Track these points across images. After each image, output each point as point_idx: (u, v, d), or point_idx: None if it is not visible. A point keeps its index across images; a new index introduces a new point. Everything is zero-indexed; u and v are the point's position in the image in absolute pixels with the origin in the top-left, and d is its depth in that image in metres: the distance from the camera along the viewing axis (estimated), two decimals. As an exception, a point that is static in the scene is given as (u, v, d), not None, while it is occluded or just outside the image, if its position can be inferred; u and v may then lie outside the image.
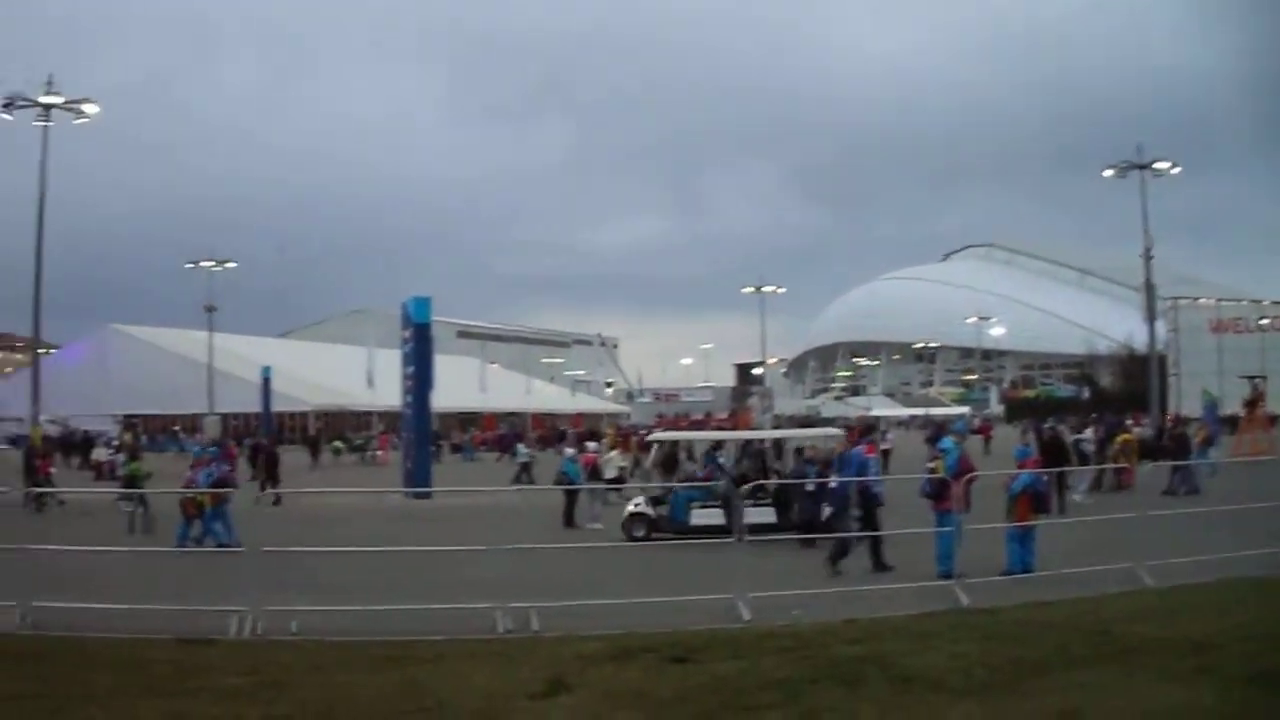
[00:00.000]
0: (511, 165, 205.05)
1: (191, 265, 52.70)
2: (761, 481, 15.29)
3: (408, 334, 26.58)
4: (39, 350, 33.61)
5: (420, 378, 26.23)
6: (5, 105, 28.68)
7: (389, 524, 16.95)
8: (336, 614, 9.33)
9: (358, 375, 50.60)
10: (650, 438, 23.30)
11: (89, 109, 29.47)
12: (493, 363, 71.79)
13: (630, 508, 16.13)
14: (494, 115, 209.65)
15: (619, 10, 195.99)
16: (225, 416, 52.77)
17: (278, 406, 53.19)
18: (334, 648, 8.35)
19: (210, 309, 52.82)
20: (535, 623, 9.04)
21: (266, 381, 52.40)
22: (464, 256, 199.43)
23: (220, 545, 14.47)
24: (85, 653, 8.12)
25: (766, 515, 14.99)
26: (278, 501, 21.16)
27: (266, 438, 32.51)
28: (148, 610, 9.25)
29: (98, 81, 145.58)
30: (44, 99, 28.71)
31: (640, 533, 15.52)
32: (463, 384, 57.86)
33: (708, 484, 16.46)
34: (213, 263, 52.16)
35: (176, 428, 55.81)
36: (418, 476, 24.65)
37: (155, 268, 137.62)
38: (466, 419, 56.90)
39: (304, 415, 55.84)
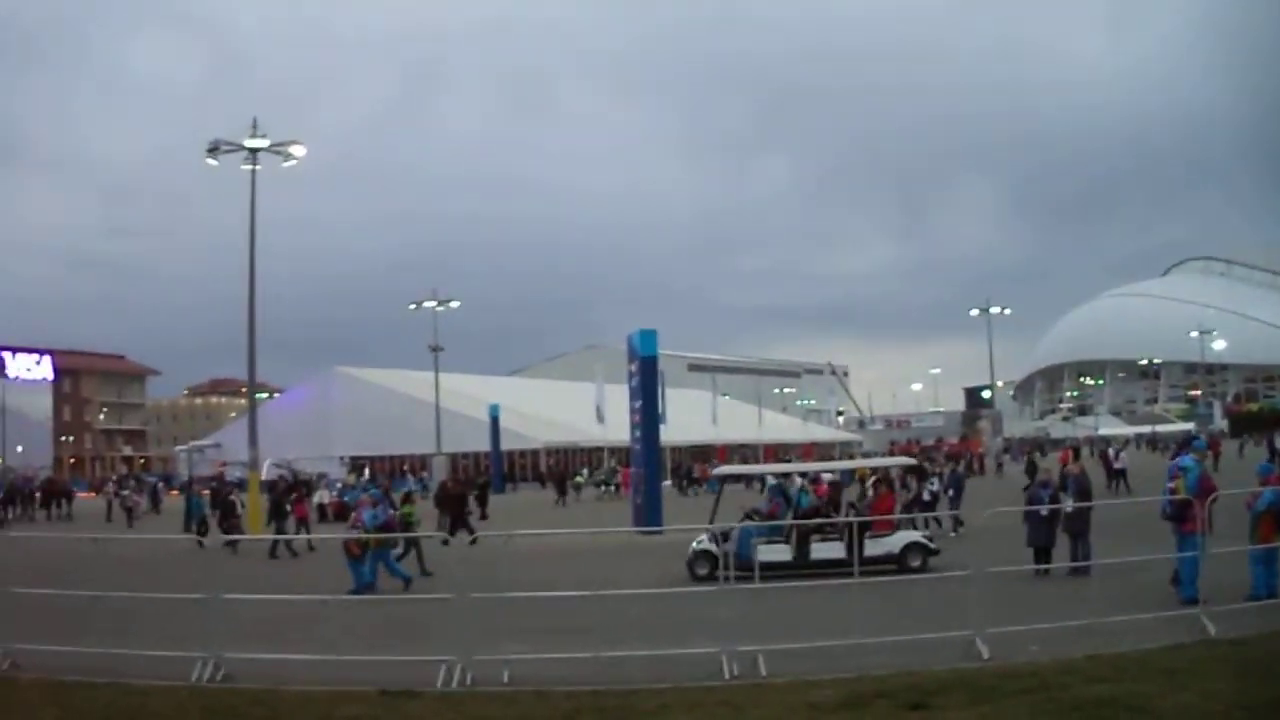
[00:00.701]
0: (738, 195, 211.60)
1: (414, 306, 53.27)
2: (823, 520, 15.76)
3: (634, 367, 27.03)
4: (255, 395, 34.71)
5: (648, 411, 26.66)
6: (211, 151, 29.75)
7: (615, 560, 17.02)
8: (551, 661, 9.23)
9: (588, 411, 49.99)
10: (716, 472, 24.48)
11: (296, 151, 30.19)
12: (724, 394, 71.14)
13: (694, 545, 16.06)
14: (719, 146, 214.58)
15: (838, 35, 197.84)
16: (454, 456, 53.16)
17: (507, 445, 54.57)
18: (548, 698, 8.18)
19: (436, 349, 53.67)
20: (763, 667, 8.81)
21: (495, 420, 52.94)
22: (695, 289, 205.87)
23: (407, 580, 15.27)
24: (279, 706, 8.08)
25: (834, 550, 15.16)
26: (474, 542, 20.49)
27: (450, 478, 32.76)
28: (348, 661, 9.20)
29: (329, 124, 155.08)
30: (249, 143, 29.63)
31: (704, 571, 15.30)
32: (695, 417, 58.17)
33: (772, 519, 16.53)
34: (435, 303, 52.61)
35: (406, 468, 56.82)
36: (648, 512, 25.04)
37: (387, 309, 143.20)
38: (699, 452, 55.47)
39: (534, 453, 55.77)
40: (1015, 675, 7.93)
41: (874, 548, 15.24)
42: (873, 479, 19.37)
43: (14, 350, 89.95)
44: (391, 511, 18.33)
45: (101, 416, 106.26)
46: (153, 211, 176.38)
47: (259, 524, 26.87)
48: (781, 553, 15.05)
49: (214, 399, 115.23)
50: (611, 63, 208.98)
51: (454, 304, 54.36)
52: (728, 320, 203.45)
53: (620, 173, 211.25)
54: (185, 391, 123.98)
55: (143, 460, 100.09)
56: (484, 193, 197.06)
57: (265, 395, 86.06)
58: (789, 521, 16.20)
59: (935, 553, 15.60)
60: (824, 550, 15.37)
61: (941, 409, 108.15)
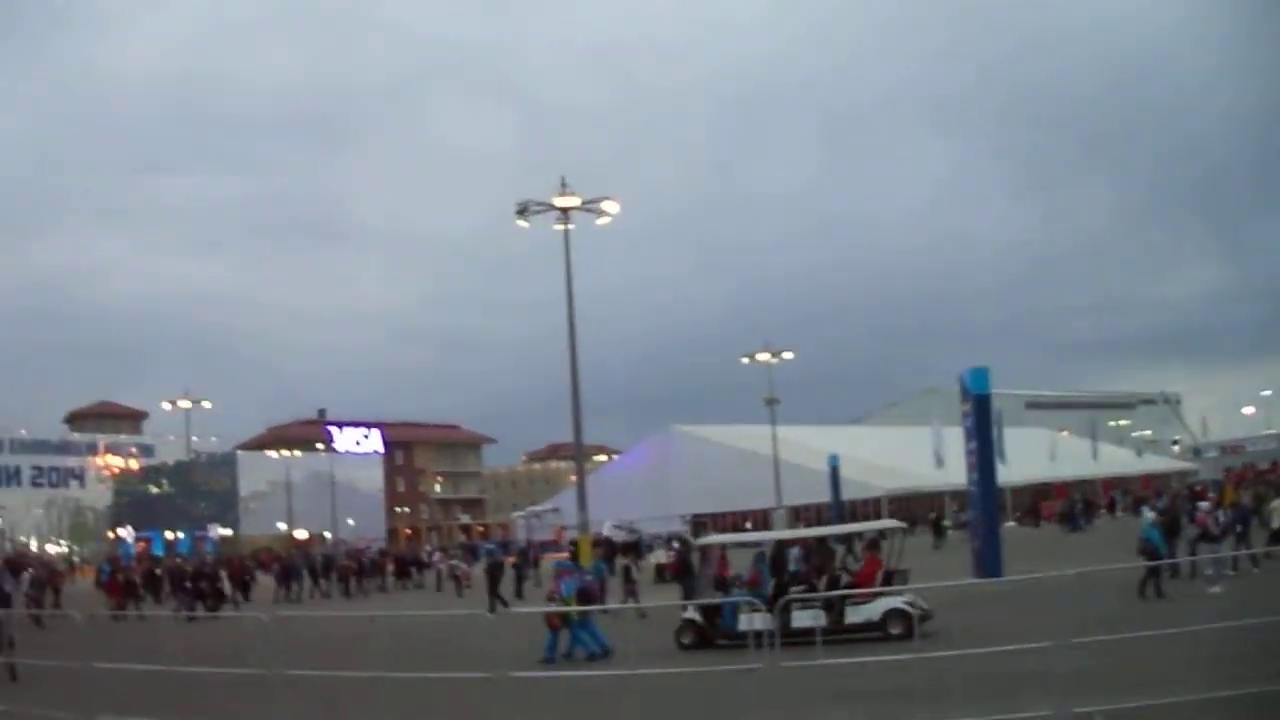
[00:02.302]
0: (1060, 229, 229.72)
1: (747, 360, 67.69)
2: (793, 592, 20.62)
3: (968, 407, 32.49)
4: (581, 458, 41.21)
5: (984, 451, 32.01)
6: (520, 213, 36.05)
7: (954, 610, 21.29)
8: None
9: (926, 456, 62.30)
10: (699, 542, 30.26)
11: (609, 207, 36.54)
12: (1061, 430, 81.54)
13: (683, 615, 21.62)
14: (1037, 181, 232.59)
15: (1159, 60, 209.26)
16: (795, 509, 66.83)
17: (847, 494, 68.51)
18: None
19: (771, 401, 67.61)
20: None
21: (834, 470, 66.77)
22: (1026, 325, 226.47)
23: (590, 655, 19.83)
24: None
25: (814, 619, 19.24)
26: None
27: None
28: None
29: (650, 180, 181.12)
30: (559, 201, 35.78)
31: (688, 641, 20.88)
32: (1034, 455, 71.39)
33: (753, 587, 21.83)
34: (769, 354, 66.79)
35: (748, 525, 71.36)
36: (986, 557, 30.13)
37: (721, 363, 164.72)
38: (1039, 491, 66.63)
39: (875, 501, 68.70)
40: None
41: (854, 615, 19.79)
42: (864, 543, 24.55)
43: (342, 424, 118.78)
44: (588, 578, 24.03)
45: (438, 487, 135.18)
46: (479, 280, 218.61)
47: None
48: (764, 622, 17.85)
49: (552, 464, 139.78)
50: (927, 100, 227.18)
51: (787, 355, 68.96)
52: (1061, 354, 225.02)
53: (942, 210, 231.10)
54: (523, 457, 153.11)
55: (481, 528, 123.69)
56: (808, 238, 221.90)
57: (604, 457, 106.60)
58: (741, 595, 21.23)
59: (921, 619, 19.46)
60: (804, 619, 19.30)
61: (1275, 431, 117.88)
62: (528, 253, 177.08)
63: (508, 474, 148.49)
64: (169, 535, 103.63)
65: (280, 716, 13.72)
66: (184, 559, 64.62)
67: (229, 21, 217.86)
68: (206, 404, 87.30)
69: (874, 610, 19.70)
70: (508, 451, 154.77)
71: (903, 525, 24.84)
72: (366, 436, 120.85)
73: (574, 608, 20.39)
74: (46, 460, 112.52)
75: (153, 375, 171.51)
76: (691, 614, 21.17)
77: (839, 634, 18.95)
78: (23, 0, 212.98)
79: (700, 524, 73.90)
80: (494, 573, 35.28)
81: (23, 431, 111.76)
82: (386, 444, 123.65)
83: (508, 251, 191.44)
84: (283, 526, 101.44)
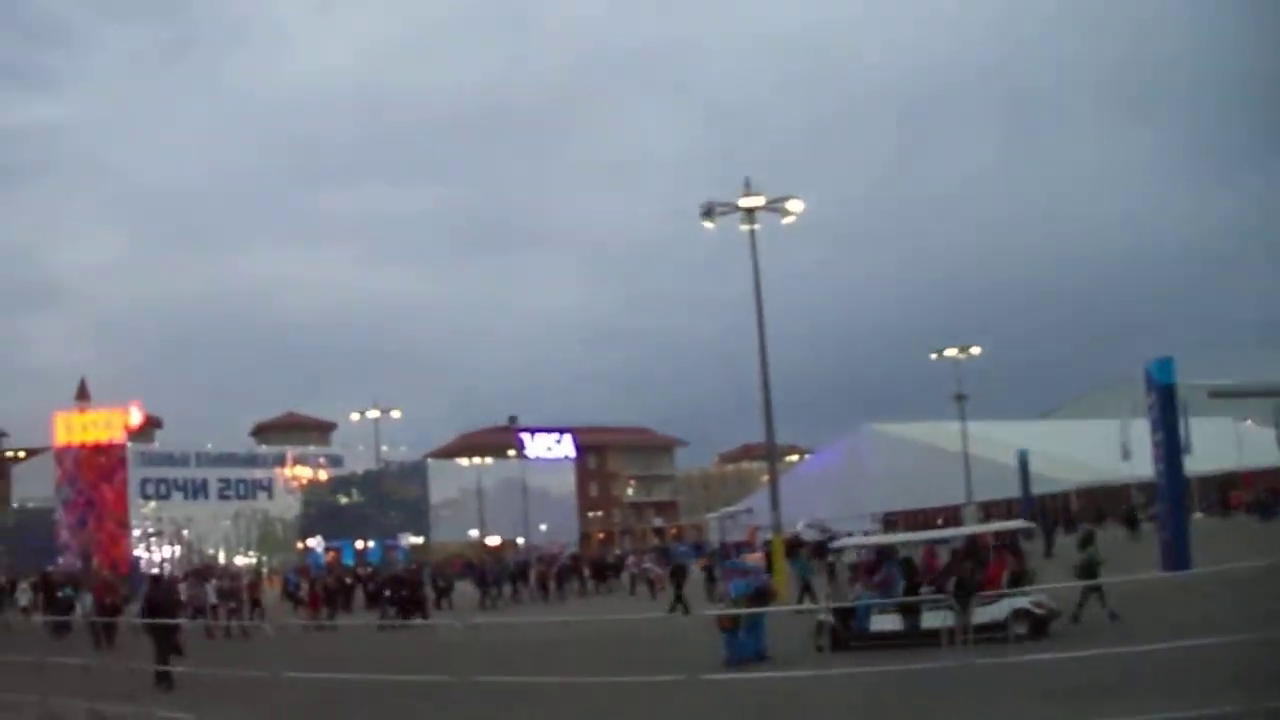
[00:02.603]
0: (1248, 217, 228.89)
1: (935, 356, 75.59)
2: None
3: (1152, 398, 35.09)
4: (774, 458, 45.95)
5: (1169, 442, 34.60)
6: (705, 214, 39.76)
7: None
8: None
9: (1113, 448, 69.59)
10: (834, 545, 33.76)
11: (793, 206, 40.00)
12: (1245, 420, 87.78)
13: (818, 617, 23.81)
14: (1218, 161, 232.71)
15: None
16: (985, 504, 74.62)
17: (1037, 489, 75.16)
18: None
19: (960, 398, 75.48)
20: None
21: (1024, 464, 73.84)
22: (1212, 315, 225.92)
23: (741, 660, 21.80)
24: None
25: (943, 620, 20.43)
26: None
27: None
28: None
29: (836, 178, 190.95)
30: (744, 202, 39.56)
31: (823, 643, 21.52)
32: (1219, 445, 76.86)
33: (884, 589, 24.46)
34: (957, 350, 74.59)
35: (940, 521, 79.30)
36: (1175, 548, 32.35)
37: (907, 359, 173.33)
38: (1225, 481, 73.30)
39: (1064, 495, 76.01)
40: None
41: (980, 615, 20.93)
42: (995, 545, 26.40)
43: (534, 430, 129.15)
44: (764, 577, 26.79)
45: (630, 490, 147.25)
46: (668, 282, 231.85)
47: (786, 590, 36.16)
48: (893, 622, 21.26)
49: (745, 465, 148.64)
50: (1108, 85, 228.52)
51: (974, 350, 76.30)
52: (1244, 344, 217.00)
53: (1130, 198, 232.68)
54: (716, 459, 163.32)
55: (674, 531, 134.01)
56: (992, 230, 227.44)
57: (795, 457, 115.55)
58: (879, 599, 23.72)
59: (1048, 619, 22.12)
60: (933, 619, 21.23)
61: None
62: (717, 253, 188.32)
63: (700, 476, 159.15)
64: (359, 545, 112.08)
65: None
66: (374, 568, 72.31)
67: (407, 30, 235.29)
68: (396, 413, 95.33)
69: (1000, 610, 21.70)
70: (700, 453, 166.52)
71: (1031, 526, 30.34)
72: (558, 442, 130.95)
73: (742, 610, 22.81)
74: (234, 473, 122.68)
75: (340, 386, 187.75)
76: (825, 616, 23.46)
77: (967, 634, 20.31)
78: (199, 18, 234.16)
79: (891, 522, 79.99)
80: (677, 575, 39.72)
81: (209, 445, 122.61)
82: (578, 449, 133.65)
83: (696, 252, 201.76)
84: (474, 533, 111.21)
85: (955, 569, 25.04)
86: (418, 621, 38.26)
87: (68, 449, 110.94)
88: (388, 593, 44.35)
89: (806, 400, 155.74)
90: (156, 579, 37.92)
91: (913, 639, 21.38)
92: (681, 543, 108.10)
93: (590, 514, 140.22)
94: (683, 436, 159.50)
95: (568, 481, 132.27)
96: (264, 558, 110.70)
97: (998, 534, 27.75)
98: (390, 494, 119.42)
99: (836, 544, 33.96)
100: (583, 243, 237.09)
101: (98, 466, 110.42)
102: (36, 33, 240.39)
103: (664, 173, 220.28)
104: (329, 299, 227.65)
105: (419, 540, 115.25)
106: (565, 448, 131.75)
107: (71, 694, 19.86)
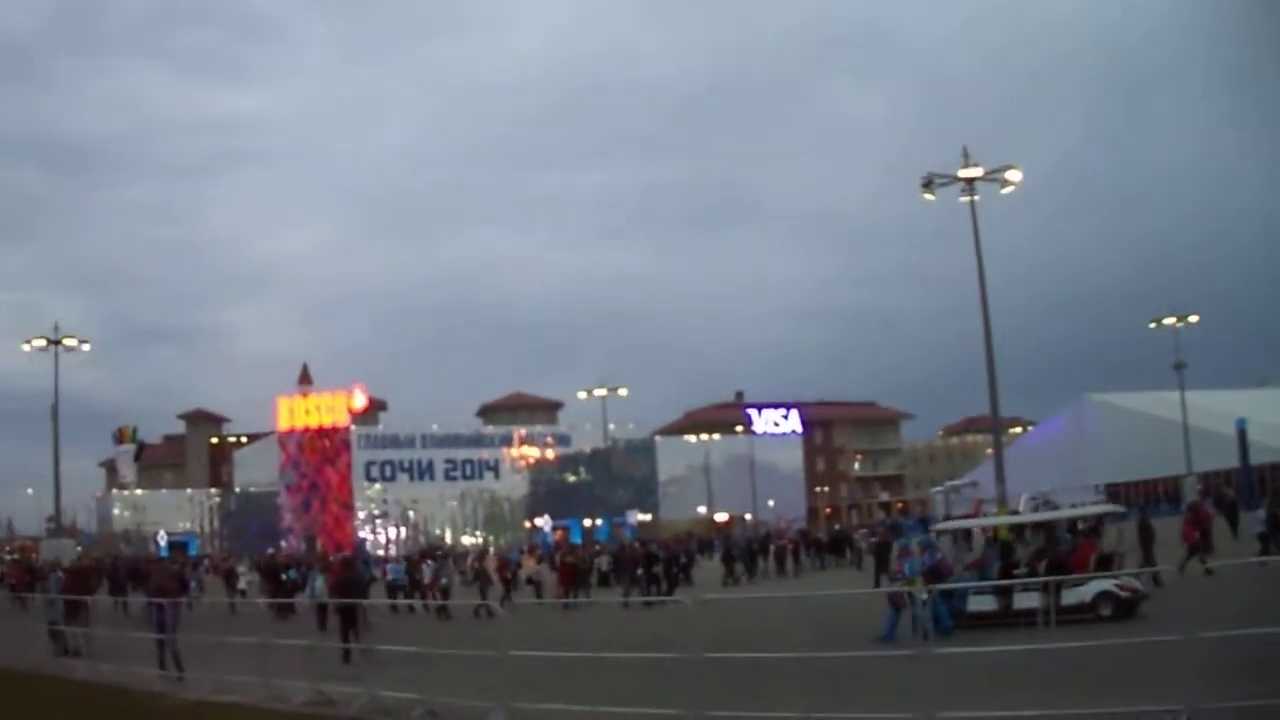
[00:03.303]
0: None
1: (1154, 325, 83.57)
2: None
3: None
4: (999, 430, 50.69)
5: None
6: (925, 185, 43.34)
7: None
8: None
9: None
10: (936, 528, 36.06)
11: (1012, 176, 43.20)
12: None
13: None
14: None
15: None
16: (1205, 475, 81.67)
17: (1256, 458, 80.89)
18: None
19: (1179, 366, 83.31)
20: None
21: (1242, 434, 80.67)
22: None
23: (925, 635, 22.26)
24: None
25: (1032, 600, 23.59)
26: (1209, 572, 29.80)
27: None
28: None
29: (1048, 145, 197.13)
30: (963, 173, 42.91)
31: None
32: None
33: (980, 570, 27.86)
34: (1175, 318, 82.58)
35: (1160, 492, 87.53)
36: None
37: (1126, 328, 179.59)
38: None
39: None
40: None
41: (1068, 597, 23.32)
42: (1084, 528, 29.62)
43: (761, 406, 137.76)
44: (939, 555, 28.38)
45: (856, 465, 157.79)
46: (887, 255, 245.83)
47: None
48: (987, 603, 23.42)
49: (969, 438, 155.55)
50: None
51: (1192, 318, 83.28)
52: None
53: None
54: (940, 432, 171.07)
55: (900, 504, 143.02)
56: (1211, 193, 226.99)
57: (1018, 429, 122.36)
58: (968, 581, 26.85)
59: (1136, 601, 24.21)
60: (1025, 600, 23.93)
61: None
62: (934, 224, 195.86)
63: (925, 449, 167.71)
64: (586, 523, 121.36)
65: (693, 699, 16.13)
66: (602, 546, 75.15)
67: (617, 8, 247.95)
68: (623, 391, 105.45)
69: (1086, 593, 24.13)
70: (925, 426, 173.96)
71: (1120, 510, 33.72)
72: (785, 417, 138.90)
73: (917, 587, 24.46)
74: (460, 453, 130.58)
75: (566, 366, 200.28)
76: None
77: (1058, 615, 23.04)
78: (408, 9, 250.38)
79: (1114, 493, 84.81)
80: (880, 551, 41.02)
81: (435, 426, 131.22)
82: (805, 424, 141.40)
83: (913, 223, 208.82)
84: (702, 510, 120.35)
85: (1046, 553, 27.87)
86: (667, 598, 40.41)
87: (291, 433, 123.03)
88: (639, 571, 46.19)
89: (1028, 371, 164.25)
90: (348, 560, 42.07)
91: (1006, 619, 23.93)
92: (907, 517, 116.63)
93: (817, 489, 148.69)
94: (908, 409, 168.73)
95: (795, 457, 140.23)
96: (490, 537, 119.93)
97: (1084, 519, 31.57)
98: (618, 472, 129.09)
99: (936, 526, 37.85)
100: (796, 216, 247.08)
101: (322, 450, 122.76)
102: (244, 26, 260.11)
103: (878, 144, 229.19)
104: (552, 279, 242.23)
105: (646, 517, 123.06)
106: (792, 423, 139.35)
107: (295, 675, 21.65)
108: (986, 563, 28.90)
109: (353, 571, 36.31)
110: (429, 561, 49.70)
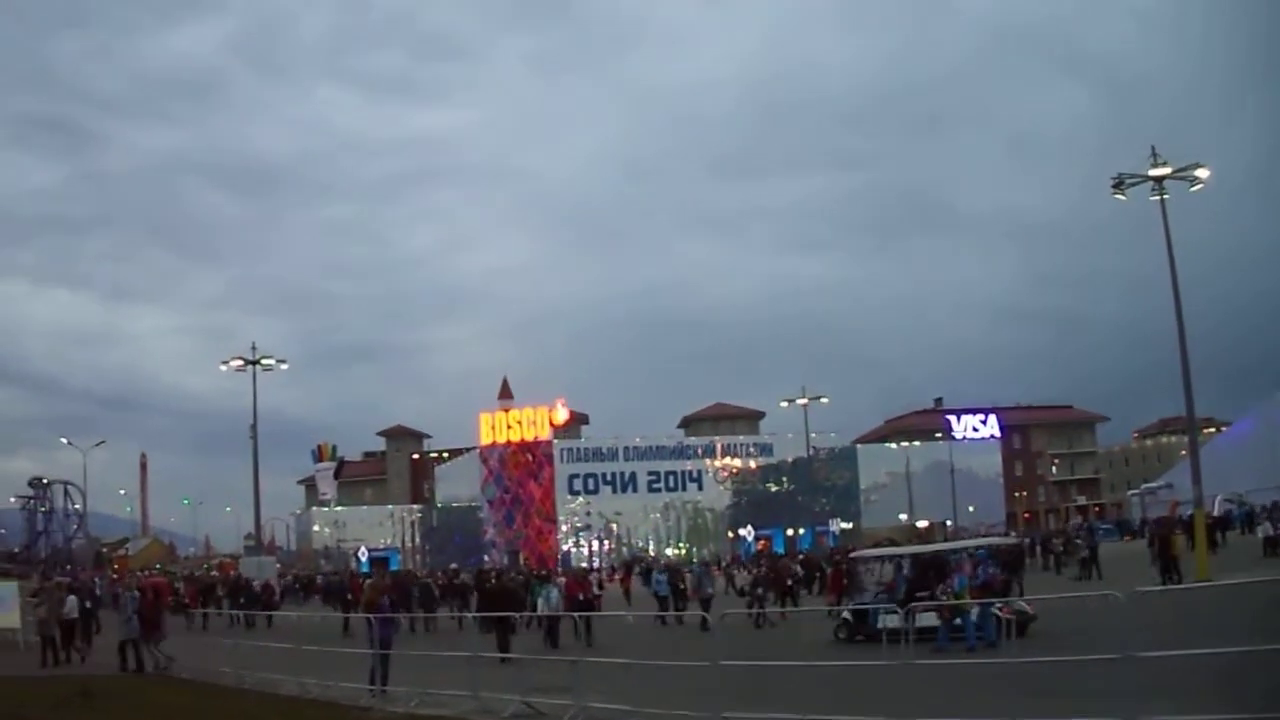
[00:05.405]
0: None
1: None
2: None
3: None
4: (1194, 430, 50.67)
5: None
6: (1116, 185, 44.41)
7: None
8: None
9: None
10: (853, 555, 40.94)
11: (1200, 174, 43.98)
12: None
13: (841, 614, 31.59)
14: None
15: None
16: None
17: None
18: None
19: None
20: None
21: None
22: None
23: (970, 648, 26.06)
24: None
25: (930, 620, 26.81)
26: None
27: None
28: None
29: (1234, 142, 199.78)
30: (1152, 172, 43.75)
31: (843, 635, 30.61)
32: None
33: (889, 592, 31.28)
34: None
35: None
36: None
37: None
38: None
39: None
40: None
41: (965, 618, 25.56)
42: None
43: (959, 412, 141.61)
44: (994, 571, 31.97)
45: (1054, 469, 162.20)
46: (1081, 257, 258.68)
47: (1205, 563, 41.25)
48: (895, 621, 24.24)
49: (1164, 439, 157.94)
50: None
51: None
52: None
53: None
54: (1135, 434, 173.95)
55: (1097, 508, 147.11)
56: None
57: (1212, 429, 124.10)
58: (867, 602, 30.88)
59: (1024, 624, 26.32)
60: (928, 619, 26.64)
61: None
62: (1123, 224, 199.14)
63: (1120, 451, 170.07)
64: (789, 532, 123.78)
65: (908, 705, 16.89)
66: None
67: (803, 17, 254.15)
68: (824, 400, 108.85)
69: (972, 615, 27.02)
70: (1120, 428, 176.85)
71: (1018, 542, 38.42)
72: (984, 422, 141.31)
73: (966, 601, 28.09)
74: (663, 465, 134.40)
75: (766, 375, 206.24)
76: (845, 614, 31.43)
77: (953, 635, 26.53)
78: (589, 27, 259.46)
79: None
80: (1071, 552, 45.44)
81: (637, 438, 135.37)
82: (1002, 428, 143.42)
83: (1100, 225, 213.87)
84: (904, 517, 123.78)
85: (945, 576, 31.17)
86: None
87: (493, 448, 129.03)
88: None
89: (1222, 370, 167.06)
90: (485, 574, 45.04)
91: (910, 636, 24.71)
92: (1103, 520, 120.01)
93: (1016, 494, 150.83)
94: (1103, 412, 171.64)
95: (994, 462, 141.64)
96: (694, 549, 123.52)
97: (978, 548, 35.06)
98: (820, 480, 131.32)
99: (854, 554, 41.62)
100: (987, 221, 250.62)
101: (524, 464, 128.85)
102: (429, 47, 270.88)
103: (1064, 146, 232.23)
104: (751, 289, 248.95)
105: (848, 526, 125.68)
106: (991, 427, 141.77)
107: (505, 689, 22.32)
108: (895, 585, 32.26)
109: (498, 586, 40.33)
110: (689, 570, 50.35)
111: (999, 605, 27.15)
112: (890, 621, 25.40)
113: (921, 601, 28.75)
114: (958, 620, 27.73)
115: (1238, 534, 68.63)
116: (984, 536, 59.40)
